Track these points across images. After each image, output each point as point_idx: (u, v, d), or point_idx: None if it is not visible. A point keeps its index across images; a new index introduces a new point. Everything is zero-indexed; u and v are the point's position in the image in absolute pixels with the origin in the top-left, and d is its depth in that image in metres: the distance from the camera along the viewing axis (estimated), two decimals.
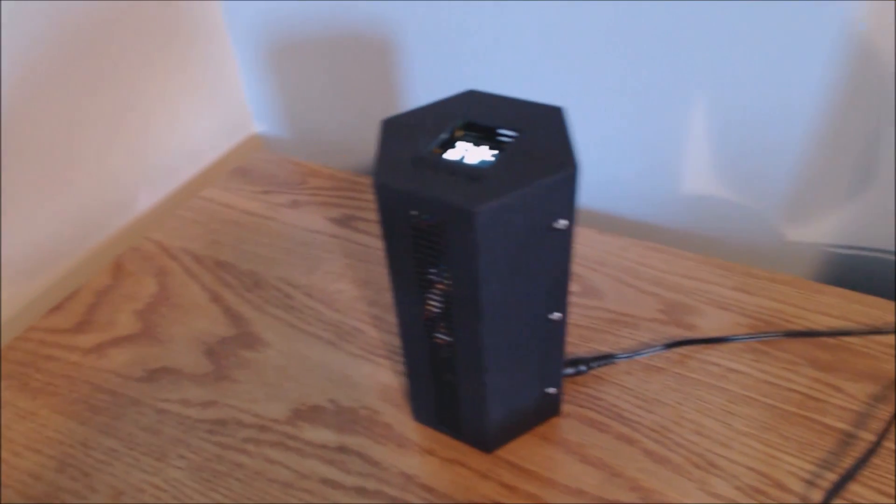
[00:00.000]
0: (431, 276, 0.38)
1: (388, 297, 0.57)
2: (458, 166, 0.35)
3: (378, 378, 0.51)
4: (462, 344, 0.39)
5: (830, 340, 0.51)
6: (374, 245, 0.63)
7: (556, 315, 0.40)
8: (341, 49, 0.69)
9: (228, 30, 0.74)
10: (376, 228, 0.65)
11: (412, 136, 0.37)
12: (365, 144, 0.76)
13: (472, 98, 0.41)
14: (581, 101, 0.61)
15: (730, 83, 0.54)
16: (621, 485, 0.43)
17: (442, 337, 0.40)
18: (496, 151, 0.37)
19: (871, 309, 0.53)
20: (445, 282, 0.37)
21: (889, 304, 0.53)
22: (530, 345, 0.41)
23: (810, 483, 0.42)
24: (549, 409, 0.46)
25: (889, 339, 0.50)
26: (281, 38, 0.72)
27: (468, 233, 0.33)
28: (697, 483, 0.43)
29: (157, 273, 0.61)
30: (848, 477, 0.41)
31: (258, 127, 0.82)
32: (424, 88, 0.68)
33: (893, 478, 0.42)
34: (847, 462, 0.43)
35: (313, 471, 0.45)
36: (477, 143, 0.38)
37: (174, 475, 0.46)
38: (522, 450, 0.45)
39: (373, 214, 0.67)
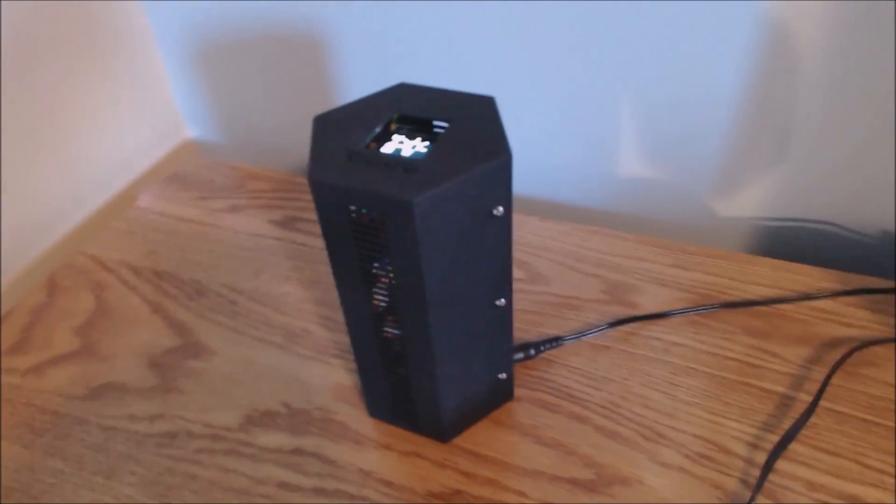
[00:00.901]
0: (375, 271, 0.38)
1: (335, 296, 0.57)
2: (394, 159, 0.35)
3: (330, 378, 0.51)
4: (411, 336, 0.39)
5: (764, 309, 0.53)
6: (318, 245, 0.62)
7: (501, 301, 0.41)
8: (273, 48, 0.68)
9: (153, 32, 0.72)
10: (318, 228, 0.64)
11: (346, 132, 0.37)
12: (302, 144, 0.75)
13: (403, 91, 0.41)
14: (515, 93, 0.62)
15: (656, 71, 0.56)
16: (576, 462, 0.44)
17: (391, 331, 0.41)
18: (430, 143, 0.37)
19: (800, 276, 0.55)
20: (389, 275, 0.37)
21: (816, 270, 0.55)
22: (478, 332, 0.41)
23: (754, 446, 0.44)
24: (501, 394, 0.47)
25: (819, 303, 0.53)
26: (210, 39, 0.70)
27: (408, 224, 0.34)
28: (648, 454, 0.44)
29: (94, 287, 0.60)
30: (788, 437, 0.43)
31: (191, 132, 0.80)
32: (360, 84, 0.68)
33: (831, 436, 0.44)
34: (787, 423, 0.45)
35: (270, 475, 0.45)
36: (411, 136, 0.38)
37: (126, 492, 0.45)
38: (478, 436, 0.46)
39: (313, 214, 0.66)
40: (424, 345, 0.39)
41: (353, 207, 0.35)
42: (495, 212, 0.36)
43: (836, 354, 0.49)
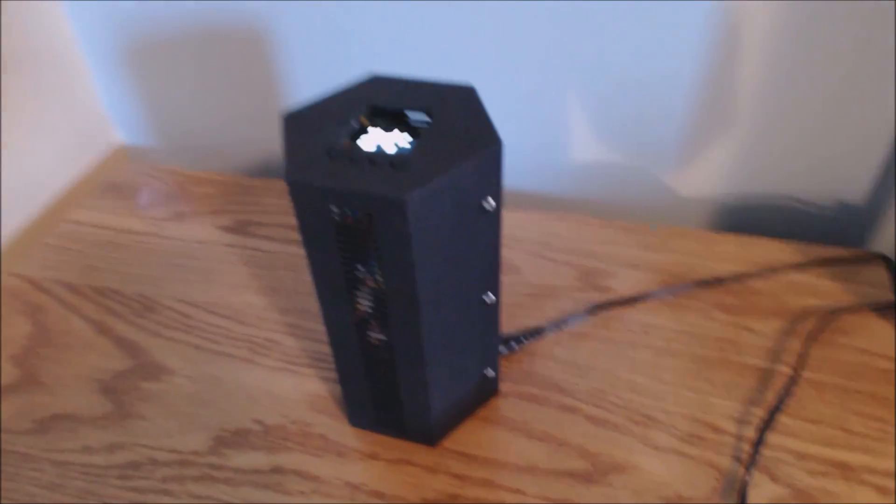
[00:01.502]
0: (360, 275, 0.35)
1: (301, 302, 0.54)
2: (378, 155, 0.33)
3: (304, 389, 0.48)
4: (399, 340, 0.37)
5: (735, 285, 0.53)
6: (276, 250, 0.59)
7: (491, 297, 0.39)
8: (206, 45, 0.64)
9: (76, 31, 0.66)
10: (275, 231, 0.61)
11: (320, 128, 0.35)
12: (245, 145, 0.71)
13: (376, 83, 0.39)
14: (476, 82, 0.60)
15: (610, 56, 0.55)
16: (569, 453, 0.43)
17: (375, 336, 0.38)
18: (412, 136, 0.35)
19: (765, 250, 0.56)
20: (376, 278, 0.35)
21: (779, 243, 0.56)
22: (468, 330, 0.40)
23: (742, 421, 0.44)
24: (488, 391, 0.46)
25: (787, 276, 0.54)
26: (137, 37, 0.66)
27: (399, 223, 0.31)
28: (639, 438, 0.44)
29: (30, 311, 0.54)
30: (775, 411, 0.44)
31: (122, 137, 0.75)
32: (306, 79, 0.64)
33: (813, 405, 0.45)
34: (770, 396, 0.46)
35: (248, 498, 0.42)
36: (389, 129, 0.36)
37: None
38: (467, 437, 0.44)
39: (269, 217, 0.63)
40: (414, 348, 0.37)
41: (336, 209, 0.32)
42: (485, 205, 0.35)
43: (809, 325, 0.50)
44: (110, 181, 0.68)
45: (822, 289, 0.53)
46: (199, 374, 0.49)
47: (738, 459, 0.42)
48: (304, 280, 0.56)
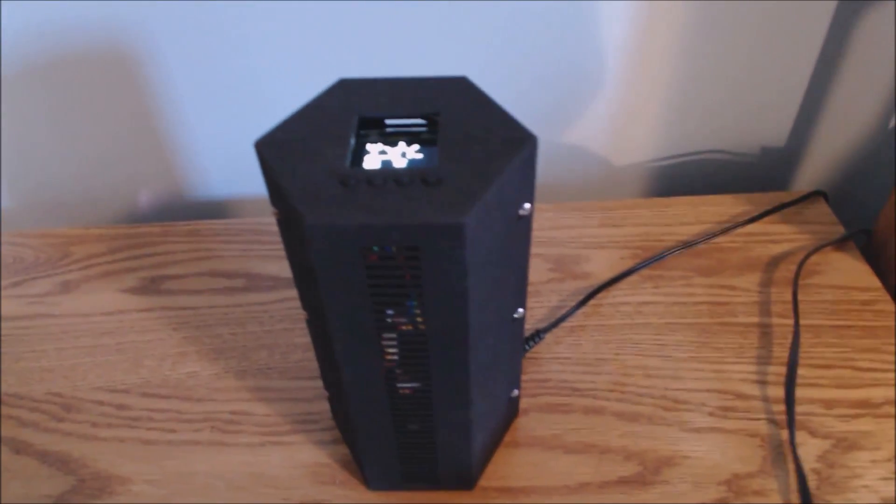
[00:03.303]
0: (390, 319, 0.30)
1: (258, 360, 0.46)
2: (403, 174, 0.27)
3: (299, 460, 0.41)
4: (440, 384, 0.32)
5: (702, 246, 0.53)
6: (203, 304, 0.50)
7: (520, 311, 0.35)
8: (58, 75, 0.53)
9: None
10: (195, 283, 0.52)
11: (310, 154, 0.28)
12: (117, 188, 0.60)
13: (350, 89, 0.32)
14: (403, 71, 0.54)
15: (549, 41, 0.52)
16: (614, 459, 0.40)
17: (407, 386, 0.33)
18: (422, 146, 0.30)
19: (716, 207, 0.56)
20: (416, 320, 0.29)
21: (727, 198, 0.57)
22: (501, 353, 0.35)
23: (762, 382, 0.44)
24: (512, 413, 0.41)
25: (743, 228, 0.54)
26: None
27: (453, 251, 0.26)
28: (676, 425, 0.42)
29: None
30: (793, 365, 0.43)
31: None
32: (190, 99, 0.55)
33: (817, 350, 0.45)
34: (777, 350, 0.45)
35: None
36: (390, 142, 0.30)
37: None
38: (503, 469, 0.40)
39: (182, 268, 0.53)
40: (459, 389, 0.32)
41: (374, 248, 0.26)
42: (521, 211, 0.30)
43: (782, 272, 0.50)
44: None
45: (778, 234, 0.54)
46: (162, 474, 0.40)
47: (774, 422, 0.42)
48: (252, 333, 0.48)
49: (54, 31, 0.50)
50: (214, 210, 0.62)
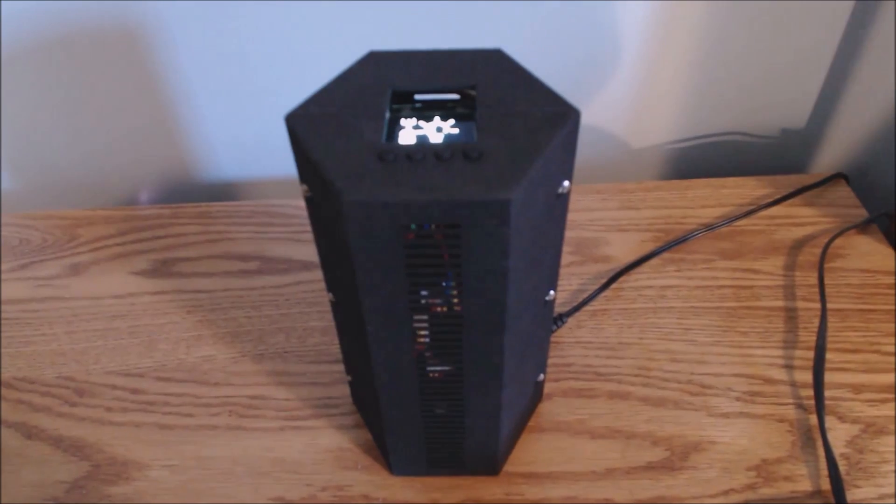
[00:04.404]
0: (424, 300, 0.29)
1: (275, 343, 0.45)
2: (443, 149, 0.26)
3: (321, 445, 0.40)
4: (472, 367, 0.31)
5: (724, 228, 0.52)
6: (217, 287, 0.49)
7: (551, 294, 0.34)
8: (65, 54, 0.51)
9: None
10: (208, 265, 0.51)
11: (344, 128, 0.27)
12: (123, 171, 0.59)
13: (382, 62, 0.31)
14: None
15: (567, 22, 0.51)
16: (641, 444, 0.39)
17: (437, 369, 0.32)
18: (457, 121, 0.29)
19: (738, 189, 0.55)
20: (452, 300, 0.28)
21: (749, 180, 0.56)
22: (532, 336, 0.34)
23: (788, 367, 0.43)
24: (537, 398, 0.41)
25: (766, 211, 0.53)
26: None
27: (497, 228, 0.25)
28: (703, 410, 0.41)
29: None
30: (821, 349, 0.43)
31: None
32: (199, 77, 0.54)
33: (844, 334, 0.45)
34: (803, 335, 0.45)
35: None
36: (425, 117, 0.29)
37: None
38: (528, 454, 0.39)
39: (194, 250, 0.52)
40: (491, 373, 0.31)
41: (413, 225, 0.25)
42: (560, 189, 0.29)
43: (806, 256, 0.50)
44: None
45: (801, 217, 0.53)
46: (180, 459, 0.39)
47: (802, 407, 0.41)
48: (268, 316, 0.47)
49: (59, 9, 0.49)
50: (223, 192, 0.61)
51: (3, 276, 0.51)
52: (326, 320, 0.47)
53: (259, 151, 0.58)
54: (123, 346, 0.46)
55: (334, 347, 0.45)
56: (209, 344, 0.46)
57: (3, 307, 0.48)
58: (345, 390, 0.42)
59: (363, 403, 0.39)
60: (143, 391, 0.43)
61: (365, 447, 0.40)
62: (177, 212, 0.56)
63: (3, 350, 0.45)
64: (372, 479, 0.38)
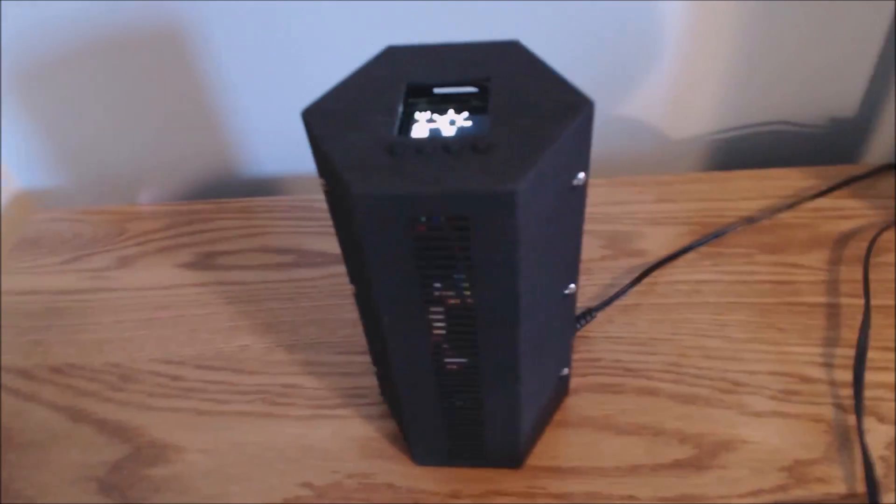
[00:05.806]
0: (438, 293, 0.29)
1: (307, 334, 0.46)
2: (452, 142, 0.26)
3: (349, 433, 0.41)
4: (488, 360, 0.31)
5: (766, 222, 0.50)
6: (256, 279, 0.51)
7: (571, 287, 0.34)
8: (110, 55, 0.54)
9: None
10: (247, 258, 0.53)
11: (358, 121, 0.28)
12: (170, 168, 0.61)
13: (398, 56, 0.32)
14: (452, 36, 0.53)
15: (603, 6, 0.51)
16: (668, 442, 0.39)
17: (454, 361, 0.32)
18: (471, 113, 0.29)
19: (781, 181, 0.54)
20: (465, 293, 0.29)
21: (793, 171, 0.54)
22: (552, 330, 0.34)
23: (827, 365, 0.42)
24: (562, 392, 0.40)
25: (810, 203, 0.51)
26: (23, 58, 0.54)
27: (505, 220, 0.25)
28: (735, 409, 0.40)
29: None
30: (863, 347, 0.41)
31: (20, 181, 0.63)
32: (240, 77, 0.55)
33: (888, 332, 0.43)
34: (845, 333, 0.43)
35: None
36: (439, 110, 0.29)
37: None
38: (552, 448, 0.39)
39: (234, 244, 0.54)
40: (507, 365, 0.31)
41: (422, 217, 0.26)
42: (575, 181, 0.29)
43: (852, 250, 0.48)
44: (21, 236, 0.57)
45: (847, 209, 0.51)
46: (215, 444, 0.41)
47: (840, 407, 0.39)
48: (302, 308, 0.48)
49: (106, 10, 0.51)
50: (265, 187, 0.63)
51: (56, 269, 0.53)
52: (357, 312, 0.47)
53: (298, 147, 0.60)
54: (166, 335, 0.48)
55: (363, 339, 0.46)
56: (246, 334, 0.47)
57: (58, 298, 0.51)
58: (373, 381, 0.43)
59: (388, 394, 0.40)
60: (183, 378, 0.45)
61: (391, 437, 0.40)
62: (220, 206, 0.58)
63: (55, 338, 0.48)
64: (395, 469, 0.39)
